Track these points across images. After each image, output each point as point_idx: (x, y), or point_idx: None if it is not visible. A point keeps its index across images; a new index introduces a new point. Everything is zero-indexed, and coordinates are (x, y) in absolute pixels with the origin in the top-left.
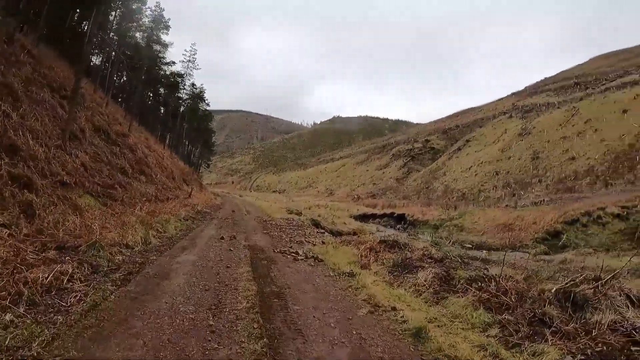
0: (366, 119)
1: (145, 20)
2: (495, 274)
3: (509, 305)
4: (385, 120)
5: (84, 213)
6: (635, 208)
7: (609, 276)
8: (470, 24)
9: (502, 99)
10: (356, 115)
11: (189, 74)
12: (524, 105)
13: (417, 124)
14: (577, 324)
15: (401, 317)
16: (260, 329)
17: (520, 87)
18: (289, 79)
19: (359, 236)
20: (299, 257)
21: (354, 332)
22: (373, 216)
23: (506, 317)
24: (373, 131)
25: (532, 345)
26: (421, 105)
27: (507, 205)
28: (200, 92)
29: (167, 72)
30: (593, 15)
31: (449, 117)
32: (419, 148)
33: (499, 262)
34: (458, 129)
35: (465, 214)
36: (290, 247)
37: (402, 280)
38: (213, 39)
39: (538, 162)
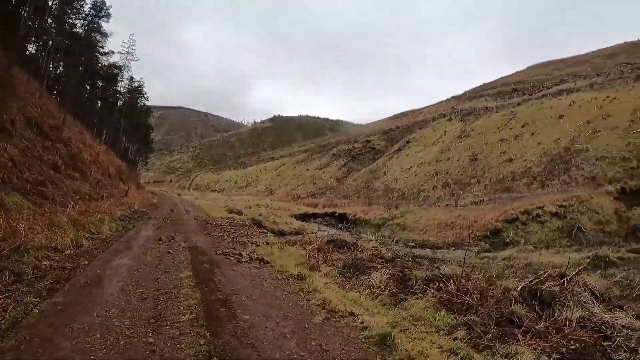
0: (307, 119)
1: (86, 6)
2: (453, 273)
3: (471, 305)
4: (326, 120)
5: (9, 213)
6: (572, 207)
7: (574, 273)
8: (413, 29)
9: (442, 102)
10: (297, 115)
11: (128, 66)
12: (463, 108)
13: (357, 124)
14: (547, 322)
15: (361, 322)
16: (208, 345)
17: (460, 92)
18: (230, 76)
19: (304, 236)
20: (243, 259)
21: (313, 343)
22: (314, 215)
23: (472, 317)
24: (313, 131)
25: (503, 347)
26: (362, 106)
27: (447, 205)
28: (139, 86)
29: (106, 64)
30: (531, 26)
31: (390, 119)
32: (360, 148)
33: (447, 260)
34: (399, 130)
35: (407, 213)
36: (233, 249)
37: (355, 282)
38: (152, 32)
39: (477, 164)
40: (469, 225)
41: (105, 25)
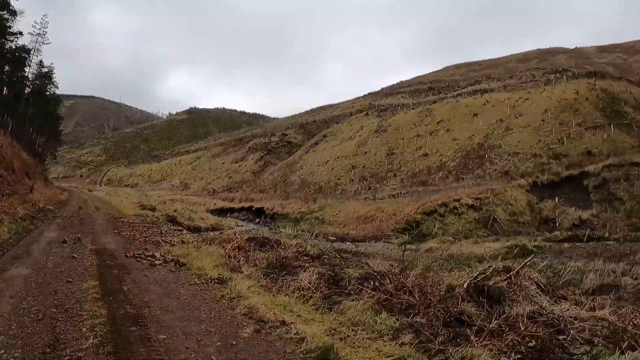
0: (223, 111)
1: None
2: (388, 270)
3: (413, 305)
4: (243, 113)
5: None
6: (487, 199)
7: (519, 266)
8: (331, 23)
9: (359, 98)
10: (213, 107)
11: (38, 49)
12: (380, 104)
13: (274, 118)
14: (498, 319)
15: (296, 333)
16: None
17: (377, 88)
18: (144, 64)
19: (221, 232)
20: (156, 262)
21: None
22: (231, 210)
23: (417, 319)
24: (230, 124)
25: (457, 350)
26: (280, 100)
27: (366, 198)
28: (49, 72)
29: (13, 46)
30: (449, 27)
31: (307, 113)
32: (276, 142)
33: (372, 254)
34: (315, 124)
35: (326, 207)
36: (146, 250)
37: (282, 284)
38: (63, 11)
39: (393, 158)
40: (388, 218)
41: (15, 4)
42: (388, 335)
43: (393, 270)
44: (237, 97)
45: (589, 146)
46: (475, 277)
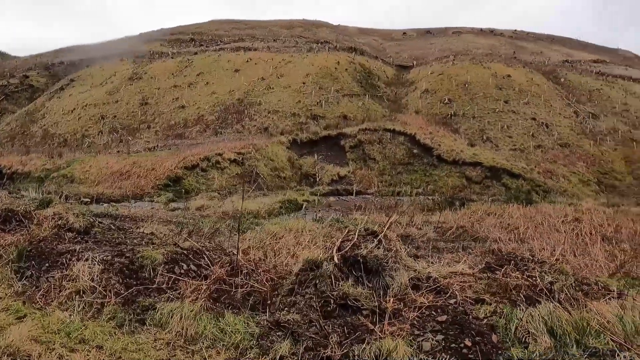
0: None
1: None
2: (205, 246)
3: (262, 293)
4: None
5: None
6: (250, 154)
7: (385, 228)
8: None
9: (114, 40)
10: None
11: None
12: (137, 50)
13: (15, 57)
14: (388, 296)
15: None
16: None
17: (136, 32)
18: None
19: None
20: None
21: None
22: None
23: (288, 317)
24: None
25: (364, 349)
26: (21, 33)
27: (119, 151)
28: None
29: None
30: None
31: (55, 52)
32: (16, 85)
33: (143, 218)
34: (63, 66)
35: (75, 162)
36: None
37: (50, 287)
38: None
39: (147, 108)
40: (147, 174)
41: None
42: (252, 349)
43: (213, 246)
44: None
45: (345, 111)
46: (340, 247)
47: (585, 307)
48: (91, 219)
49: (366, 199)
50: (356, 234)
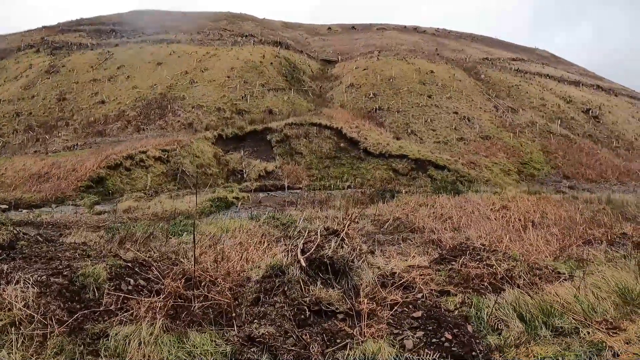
0: None
1: None
2: (152, 257)
3: (222, 305)
4: None
5: None
6: (175, 151)
7: (345, 227)
8: None
9: (31, 30)
10: None
11: None
12: (54, 41)
13: None
14: (360, 297)
15: None
16: None
17: (54, 22)
18: None
19: None
20: None
21: None
22: None
23: (262, 330)
24: None
25: (349, 355)
26: None
27: (36, 151)
28: None
29: None
30: None
31: None
32: None
33: (67, 224)
34: None
35: None
36: None
37: None
38: None
39: (65, 104)
40: (67, 175)
41: None
42: None
43: (158, 255)
44: None
45: (271, 105)
46: (303, 249)
47: (543, 291)
48: (15, 231)
49: (296, 194)
50: (318, 234)
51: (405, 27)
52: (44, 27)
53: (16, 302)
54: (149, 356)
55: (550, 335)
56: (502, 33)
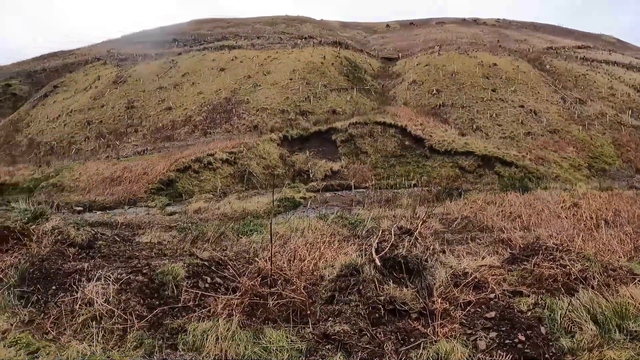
0: None
1: None
2: (228, 256)
3: (296, 303)
4: None
5: None
6: (241, 153)
7: (419, 226)
8: None
9: (96, 44)
10: None
11: None
12: (120, 53)
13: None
14: (434, 296)
15: None
16: None
17: (118, 36)
18: None
19: None
20: None
21: None
22: None
23: (337, 328)
24: None
25: (421, 355)
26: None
27: (108, 157)
28: None
29: None
30: None
31: (36, 60)
32: None
33: (140, 225)
34: (45, 73)
35: (64, 170)
36: None
37: (60, 313)
38: None
39: (133, 112)
40: (138, 178)
41: None
42: None
43: (228, 252)
44: None
45: (334, 105)
46: (377, 248)
47: (617, 293)
48: (93, 232)
49: (363, 193)
50: (392, 233)
51: (464, 19)
52: (109, 40)
53: (97, 298)
54: (226, 351)
55: (624, 339)
56: (564, 19)
